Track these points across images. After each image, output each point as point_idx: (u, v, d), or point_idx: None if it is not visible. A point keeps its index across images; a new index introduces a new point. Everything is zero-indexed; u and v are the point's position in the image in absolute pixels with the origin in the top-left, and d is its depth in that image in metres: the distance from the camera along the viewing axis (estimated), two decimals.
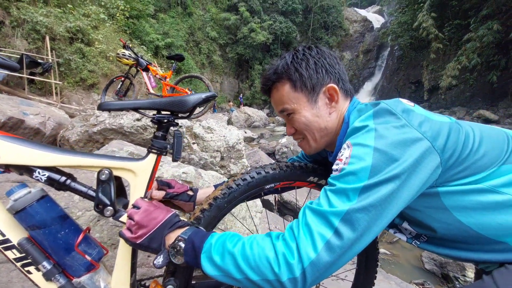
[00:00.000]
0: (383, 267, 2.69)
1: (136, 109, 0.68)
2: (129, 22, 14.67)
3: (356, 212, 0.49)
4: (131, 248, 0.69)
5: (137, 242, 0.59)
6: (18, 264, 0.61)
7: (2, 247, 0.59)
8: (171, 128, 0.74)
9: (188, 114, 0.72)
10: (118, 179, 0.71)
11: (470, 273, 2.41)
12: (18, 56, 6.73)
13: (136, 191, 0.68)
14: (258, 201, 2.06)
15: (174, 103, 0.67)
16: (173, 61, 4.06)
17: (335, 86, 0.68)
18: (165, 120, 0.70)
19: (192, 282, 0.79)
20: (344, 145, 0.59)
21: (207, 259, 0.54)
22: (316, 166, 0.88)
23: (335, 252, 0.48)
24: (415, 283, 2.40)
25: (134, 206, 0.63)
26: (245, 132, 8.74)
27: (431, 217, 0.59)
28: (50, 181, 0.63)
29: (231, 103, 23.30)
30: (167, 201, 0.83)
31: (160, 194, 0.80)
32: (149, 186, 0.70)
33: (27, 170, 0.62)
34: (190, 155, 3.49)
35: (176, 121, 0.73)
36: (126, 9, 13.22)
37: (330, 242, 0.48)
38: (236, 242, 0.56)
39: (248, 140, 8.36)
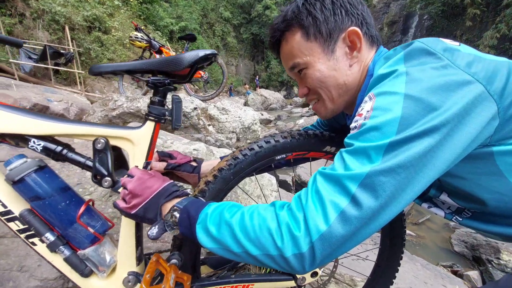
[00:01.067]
0: (407, 248, 2.57)
1: (129, 72, 0.62)
2: (142, 8, 14.60)
3: (379, 175, 0.39)
4: (134, 221, 0.66)
5: (132, 213, 0.55)
6: (22, 236, 0.60)
7: (5, 219, 0.59)
8: (169, 93, 0.67)
9: (185, 76, 0.65)
10: (118, 150, 0.67)
11: (506, 256, 2.22)
12: (42, 48, 7.02)
13: (135, 161, 0.64)
14: (273, 180, 2.01)
15: (168, 62, 0.60)
16: (186, 43, 3.97)
17: (358, 30, 0.56)
18: (161, 83, 0.63)
19: (201, 257, 0.76)
20: (366, 98, 0.48)
21: (203, 229, 0.49)
22: (334, 135, 0.78)
23: (351, 224, 0.39)
24: (442, 265, 2.26)
25: (128, 175, 0.58)
26: (262, 114, 8.61)
27: (480, 186, 0.47)
28: (46, 151, 0.60)
29: (247, 86, 22.91)
30: (170, 173, 0.78)
31: (161, 165, 0.75)
32: (149, 156, 0.65)
33: (22, 139, 0.59)
34: (206, 137, 3.47)
35: (174, 85, 0.65)
36: None
37: (345, 212, 0.39)
38: (234, 212, 0.49)
39: (265, 122, 8.24)
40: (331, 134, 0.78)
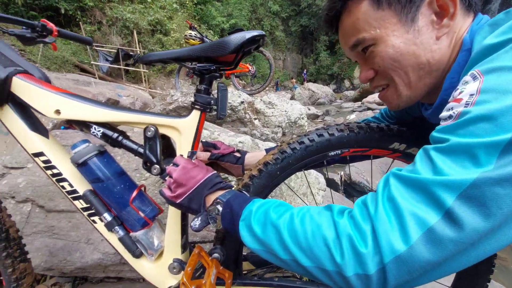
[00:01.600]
0: None
1: (176, 60, 0.61)
2: (197, 8, 15.57)
3: (494, 185, 0.27)
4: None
5: (177, 202, 0.54)
6: (85, 214, 0.66)
7: (71, 197, 0.65)
8: (215, 81, 0.64)
9: (231, 62, 0.60)
10: (167, 139, 0.68)
11: None
12: (115, 51, 8.14)
13: (181, 150, 0.63)
14: (321, 178, 1.88)
15: (213, 46, 0.56)
16: None
17: None
18: (207, 71, 0.60)
19: (244, 253, 0.73)
20: (466, 78, 0.35)
21: (246, 227, 0.44)
22: (404, 129, 0.64)
23: (443, 247, 0.29)
24: None
25: (173, 164, 0.58)
26: (309, 109, 8.27)
27: None
28: (104, 137, 0.64)
29: (294, 80, 22.39)
30: (214, 163, 0.76)
31: (205, 155, 0.73)
32: (194, 146, 0.64)
33: (85, 125, 0.64)
34: (252, 131, 3.49)
35: (220, 72, 0.62)
36: None
37: (435, 230, 0.29)
38: (282, 213, 0.43)
39: (312, 117, 7.90)
40: (400, 128, 0.64)
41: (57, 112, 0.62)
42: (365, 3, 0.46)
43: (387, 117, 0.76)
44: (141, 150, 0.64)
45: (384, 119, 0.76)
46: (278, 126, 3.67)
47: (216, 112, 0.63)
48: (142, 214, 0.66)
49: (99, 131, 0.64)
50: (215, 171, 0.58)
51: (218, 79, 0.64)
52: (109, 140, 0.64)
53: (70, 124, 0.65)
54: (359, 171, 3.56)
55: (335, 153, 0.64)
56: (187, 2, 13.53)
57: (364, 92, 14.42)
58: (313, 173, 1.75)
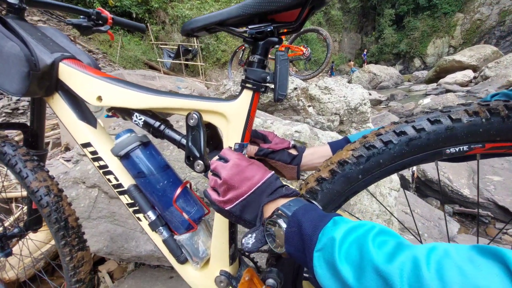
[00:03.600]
0: None
1: (221, 24, 0.46)
2: None
3: None
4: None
5: (226, 208, 0.43)
6: (130, 210, 0.61)
7: (117, 191, 0.60)
8: (272, 49, 0.47)
9: (295, 22, 0.43)
10: (213, 128, 0.56)
11: None
12: (176, 47, 8.79)
13: (229, 141, 0.50)
14: (394, 175, 1.55)
15: None
16: None
17: None
18: (262, 34, 0.44)
19: (305, 275, 0.57)
20: None
21: (326, 264, 0.29)
22: None
23: None
24: None
25: (221, 158, 0.45)
26: (370, 94, 7.36)
27: None
28: (146, 126, 0.56)
29: (351, 63, 20.27)
30: (262, 160, 0.60)
31: (252, 149, 0.58)
32: (245, 136, 0.50)
33: (127, 113, 0.57)
34: (306, 119, 3.23)
35: (278, 34, 0.45)
36: None
37: None
38: (393, 251, 0.26)
39: (374, 103, 7.01)
40: None
41: (99, 98, 0.56)
42: None
43: None
44: (184, 142, 0.54)
45: None
46: (335, 113, 3.30)
47: (273, 92, 0.47)
48: (186, 216, 0.56)
49: (141, 119, 0.56)
50: (274, 172, 0.43)
51: (277, 46, 0.47)
52: (151, 130, 0.56)
53: (114, 112, 0.59)
54: (434, 166, 2.93)
55: (458, 149, 0.41)
56: None
57: (441, 71, 12.00)
58: None
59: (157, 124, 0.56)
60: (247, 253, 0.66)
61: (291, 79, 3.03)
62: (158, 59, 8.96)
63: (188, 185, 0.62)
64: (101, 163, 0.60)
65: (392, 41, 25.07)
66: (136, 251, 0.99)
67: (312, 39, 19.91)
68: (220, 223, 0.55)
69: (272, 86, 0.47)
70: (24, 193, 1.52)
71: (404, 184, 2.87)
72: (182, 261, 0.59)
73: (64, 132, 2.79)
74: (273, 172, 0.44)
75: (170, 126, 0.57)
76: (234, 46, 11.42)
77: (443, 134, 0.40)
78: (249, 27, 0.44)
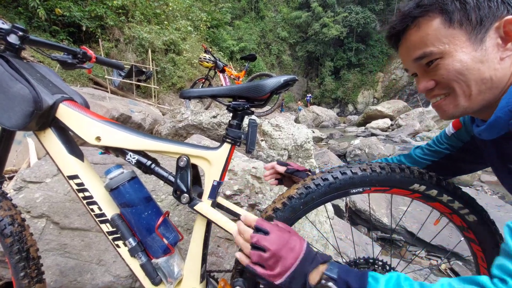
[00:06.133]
0: None
1: (214, 97, 0.66)
2: (210, 32, 16.42)
3: None
4: (203, 238, 0.68)
5: (277, 283, 0.46)
6: (110, 237, 0.67)
7: (99, 220, 0.67)
8: (246, 117, 0.68)
9: (263, 101, 0.65)
10: (194, 168, 0.71)
11: None
12: (129, 67, 8.50)
13: (210, 179, 0.66)
14: (329, 205, 1.87)
15: (251, 88, 0.61)
16: (245, 62, 4.22)
17: None
18: (240, 108, 0.65)
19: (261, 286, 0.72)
20: None
21: None
22: (424, 171, 0.67)
23: None
24: None
25: (258, 230, 0.51)
26: (313, 132, 8.37)
27: None
28: (138, 164, 0.67)
29: (300, 102, 22.82)
30: (288, 176, 0.87)
31: (282, 168, 0.85)
32: (222, 176, 0.67)
33: (121, 152, 0.68)
34: (258, 152, 3.52)
35: (252, 109, 0.67)
36: (208, 20, 14.86)
37: None
38: None
39: (316, 140, 7.96)
40: (421, 170, 0.67)
41: (98, 138, 0.66)
42: (436, 21, 0.50)
43: (438, 143, 0.77)
44: (172, 178, 0.67)
45: (436, 145, 0.78)
46: (285, 148, 3.71)
47: (245, 146, 0.66)
48: (165, 241, 0.67)
49: (134, 158, 0.67)
50: (306, 240, 0.54)
51: (249, 116, 0.68)
52: (142, 167, 0.68)
53: (107, 150, 0.69)
54: (364, 198, 3.52)
55: (356, 190, 0.66)
56: (201, 26, 14.30)
57: (367, 118, 14.63)
58: None
59: (148, 162, 0.68)
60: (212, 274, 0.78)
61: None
62: (106, 76, 8.44)
63: (167, 215, 0.73)
64: (86, 194, 0.67)
65: (331, 88, 29.58)
66: (92, 284, 0.96)
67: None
68: (196, 246, 0.67)
69: (245, 141, 0.67)
70: None
71: (339, 213, 3.32)
72: (157, 283, 0.67)
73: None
74: (306, 240, 0.53)
75: (158, 165, 0.70)
76: (191, 74, 11.67)
77: (349, 181, 0.65)
78: (233, 102, 0.65)
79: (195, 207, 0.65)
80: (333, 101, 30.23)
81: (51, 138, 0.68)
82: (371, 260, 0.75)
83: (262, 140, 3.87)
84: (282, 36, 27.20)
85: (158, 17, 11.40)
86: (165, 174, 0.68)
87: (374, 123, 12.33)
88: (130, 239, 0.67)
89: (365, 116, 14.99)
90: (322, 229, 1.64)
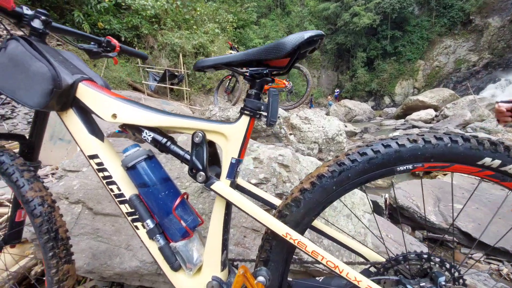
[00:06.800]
0: None
1: (229, 64, 0.59)
2: (236, 32, 16.65)
3: None
4: (223, 221, 0.62)
5: None
6: (129, 219, 0.65)
7: (118, 201, 0.65)
8: (266, 86, 0.60)
9: (285, 67, 0.56)
10: (212, 146, 0.66)
11: None
12: (162, 71, 9.02)
13: (228, 157, 0.60)
14: (366, 198, 1.69)
15: (269, 49, 0.53)
16: None
17: None
18: (259, 75, 0.57)
19: (289, 279, 0.64)
20: None
21: None
22: (497, 141, 0.52)
23: None
24: None
25: None
26: (345, 126, 7.92)
27: None
28: (154, 142, 0.64)
29: (329, 97, 21.81)
30: None
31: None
32: (241, 153, 0.60)
33: (138, 130, 0.65)
34: (287, 146, 3.41)
35: (272, 76, 0.59)
36: (234, 21, 15.07)
37: None
38: None
39: (349, 135, 7.52)
40: (494, 140, 0.52)
41: (114, 116, 0.64)
42: None
43: None
44: (188, 156, 0.62)
45: None
46: (315, 142, 3.53)
47: (266, 119, 0.58)
48: (183, 224, 0.63)
49: (150, 135, 0.64)
50: None
51: (270, 84, 0.60)
52: (158, 145, 0.64)
53: (124, 128, 0.67)
54: (407, 194, 3.18)
55: (405, 167, 0.54)
56: (227, 27, 14.55)
57: (407, 109, 13.37)
58: (358, 193, 1.58)
59: (164, 140, 0.64)
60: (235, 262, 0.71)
61: None
62: (143, 81, 9.07)
63: (185, 196, 0.68)
64: (106, 173, 0.66)
65: (365, 80, 27.77)
66: (120, 268, 0.97)
67: (294, 74, 21.44)
68: (214, 229, 0.62)
69: (265, 113, 0.59)
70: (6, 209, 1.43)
71: (378, 210, 3.04)
72: (176, 268, 0.63)
73: None
74: None
75: (175, 143, 0.66)
76: (220, 75, 11.94)
77: (394, 155, 0.53)
78: (250, 69, 0.57)
79: (211, 186, 0.59)
80: (367, 94, 28.35)
81: (72, 118, 0.68)
82: (425, 256, 0.61)
83: (290, 134, 3.75)
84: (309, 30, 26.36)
85: (188, 23, 11.88)
86: (181, 152, 0.64)
87: (415, 115, 11.21)
88: (148, 221, 0.63)
89: (404, 108, 13.72)
90: (359, 224, 1.48)
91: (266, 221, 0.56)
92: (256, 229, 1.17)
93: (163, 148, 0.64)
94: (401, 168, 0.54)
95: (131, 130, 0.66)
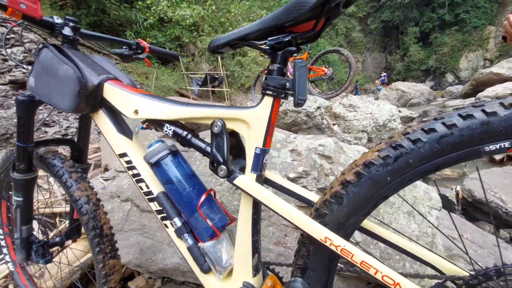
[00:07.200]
0: None
1: (245, 39, 0.51)
2: None
3: None
4: (251, 221, 0.54)
5: None
6: (159, 217, 0.63)
7: (147, 198, 0.64)
8: (291, 58, 0.50)
9: (312, 30, 0.45)
10: (235, 136, 0.59)
11: None
12: (204, 76, 9.50)
13: (251, 147, 0.52)
14: (433, 192, 1.41)
15: (289, 8, 0.43)
16: (305, 45, 3.88)
17: None
18: (280, 44, 0.47)
19: None
20: None
21: None
22: None
23: None
24: None
25: None
26: (399, 111, 7.04)
27: None
28: (175, 136, 0.60)
29: (377, 81, 19.68)
30: None
31: None
32: (266, 141, 0.51)
33: (159, 124, 0.62)
34: (331, 137, 3.17)
35: (297, 44, 0.48)
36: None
37: None
38: None
39: (405, 120, 6.67)
40: None
41: (136, 112, 0.63)
42: None
43: None
44: (209, 149, 0.57)
45: None
46: (363, 130, 3.19)
47: (293, 98, 0.48)
48: (210, 223, 0.57)
49: (171, 129, 0.61)
50: None
51: (295, 55, 0.49)
52: (179, 139, 0.60)
53: (148, 124, 0.65)
54: (486, 185, 2.62)
55: (497, 146, 0.37)
56: None
57: (477, 85, 11.14)
58: (421, 185, 1.33)
59: (184, 133, 0.60)
60: (270, 266, 0.63)
61: (314, 98, 3.05)
62: (187, 87, 9.70)
63: (212, 193, 0.63)
64: (135, 171, 0.65)
65: (419, 57, 24.29)
66: (163, 264, 1.00)
67: (334, 61, 20.12)
68: (242, 231, 0.55)
69: (292, 91, 0.48)
70: (67, 208, 1.65)
71: (448, 206, 2.58)
72: (206, 270, 0.59)
73: (104, 155, 3.06)
74: None
75: (196, 136, 0.61)
76: (257, 72, 11.99)
77: (478, 129, 0.37)
78: (268, 38, 0.48)
79: (234, 181, 0.52)
80: (424, 73, 24.77)
81: (102, 118, 0.69)
82: None
83: (334, 124, 3.48)
84: (349, 11, 24.31)
85: (223, 25, 12.21)
86: (202, 145, 0.58)
87: (489, 91, 9.26)
88: (176, 219, 0.60)
89: (473, 84, 11.49)
90: (425, 222, 1.24)
91: (299, 221, 0.46)
92: None
93: (184, 142, 0.60)
94: (491, 147, 0.37)
95: (154, 125, 0.64)
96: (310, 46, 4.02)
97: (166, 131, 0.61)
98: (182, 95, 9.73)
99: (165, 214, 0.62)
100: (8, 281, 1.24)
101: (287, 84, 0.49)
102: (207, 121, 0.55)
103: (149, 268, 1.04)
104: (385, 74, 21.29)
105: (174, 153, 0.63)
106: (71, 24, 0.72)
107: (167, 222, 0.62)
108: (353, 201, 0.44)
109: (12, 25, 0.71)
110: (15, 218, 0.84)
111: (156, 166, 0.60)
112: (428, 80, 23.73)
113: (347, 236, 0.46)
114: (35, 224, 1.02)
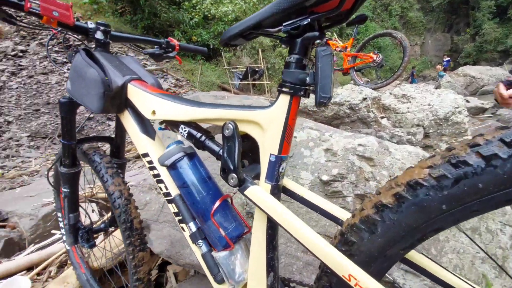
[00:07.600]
0: None
1: (256, 27, 0.43)
2: None
3: None
4: (265, 236, 0.48)
5: None
6: (176, 219, 0.62)
7: (167, 200, 0.63)
8: (313, 46, 0.40)
9: (339, 6, 0.35)
10: (250, 139, 0.52)
11: None
12: (244, 69, 9.60)
13: (265, 153, 0.45)
14: (507, 207, 1.13)
15: None
16: (352, 28, 3.51)
17: None
18: (298, 29, 0.38)
19: None
20: None
21: None
22: None
23: None
24: None
25: None
26: (467, 101, 5.95)
27: None
28: (190, 137, 0.57)
29: (439, 67, 16.96)
30: None
31: None
32: (283, 147, 0.43)
33: (175, 125, 0.60)
34: (378, 132, 2.86)
35: (321, 28, 0.38)
36: None
37: None
38: None
39: (474, 112, 5.63)
40: None
41: (153, 112, 0.61)
42: None
43: None
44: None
45: None
46: (418, 125, 2.77)
47: (314, 95, 0.39)
48: (223, 232, 0.53)
49: (185, 130, 0.58)
50: None
51: (318, 41, 0.40)
52: (193, 141, 0.57)
53: (166, 125, 0.63)
54: None
55: None
56: None
57: None
58: None
59: (198, 135, 0.56)
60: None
61: (359, 89, 2.77)
62: (229, 81, 9.95)
63: (229, 199, 0.59)
64: (155, 172, 0.65)
65: (495, 36, 20.02)
66: (190, 259, 1.02)
67: (386, 45, 18.07)
68: (256, 247, 0.49)
69: (313, 87, 0.39)
70: None
71: None
72: (219, 280, 0.55)
73: None
74: None
75: (211, 138, 0.57)
76: None
77: None
78: (284, 24, 0.39)
79: (245, 192, 0.46)
80: (501, 55, 20.40)
81: (128, 119, 0.70)
82: None
83: (382, 117, 3.13)
84: None
85: None
86: (216, 148, 0.54)
87: None
88: (191, 224, 0.58)
89: None
90: (494, 241, 1.01)
91: (318, 250, 0.38)
92: (329, 235, 0.96)
93: (198, 144, 0.56)
94: None
95: (171, 126, 0.62)
96: (357, 30, 3.63)
97: (181, 132, 0.59)
98: (224, 89, 10.04)
99: (181, 217, 0.60)
100: (67, 256, 1.44)
101: (307, 78, 0.40)
102: (219, 122, 0.50)
103: (178, 261, 1.07)
104: (448, 58, 18.07)
105: (190, 155, 0.60)
106: (102, 28, 0.74)
107: (184, 226, 0.61)
108: (390, 231, 0.34)
109: (54, 33, 0.77)
110: (64, 207, 0.95)
111: (172, 168, 0.58)
112: (506, 63, 19.50)
113: (380, 273, 0.36)
114: (85, 211, 1.14)
